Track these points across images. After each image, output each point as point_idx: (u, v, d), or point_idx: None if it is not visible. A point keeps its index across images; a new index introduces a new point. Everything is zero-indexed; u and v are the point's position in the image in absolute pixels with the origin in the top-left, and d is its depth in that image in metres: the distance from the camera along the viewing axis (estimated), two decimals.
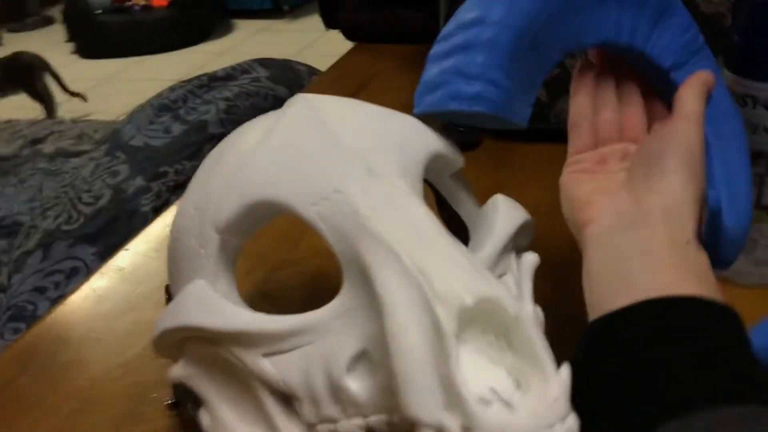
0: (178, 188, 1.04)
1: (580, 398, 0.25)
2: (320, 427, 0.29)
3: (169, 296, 0.38)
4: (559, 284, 0.49)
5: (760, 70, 0.40)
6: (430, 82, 0.34)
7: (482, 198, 0.38)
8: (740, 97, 0.42)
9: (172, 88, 1.25)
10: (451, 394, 0.22)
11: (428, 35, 0.83)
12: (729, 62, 0.42)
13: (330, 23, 0.98)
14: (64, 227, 1.01)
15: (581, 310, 0.47)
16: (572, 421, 0.23)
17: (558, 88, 0.63)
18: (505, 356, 0.24)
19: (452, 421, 0.22)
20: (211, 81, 1.26)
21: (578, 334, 0.44)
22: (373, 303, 0.27)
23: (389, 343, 0.25)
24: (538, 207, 0.58)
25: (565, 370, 0.24)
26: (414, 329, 0.24)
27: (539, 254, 0.51)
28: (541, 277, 0.48)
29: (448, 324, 0.23)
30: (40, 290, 0.94)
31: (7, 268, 1.04)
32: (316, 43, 2.94)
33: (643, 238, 0.32)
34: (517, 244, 0.35)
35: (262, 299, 0.53)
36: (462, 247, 0.28)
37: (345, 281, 0.29)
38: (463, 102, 0.33)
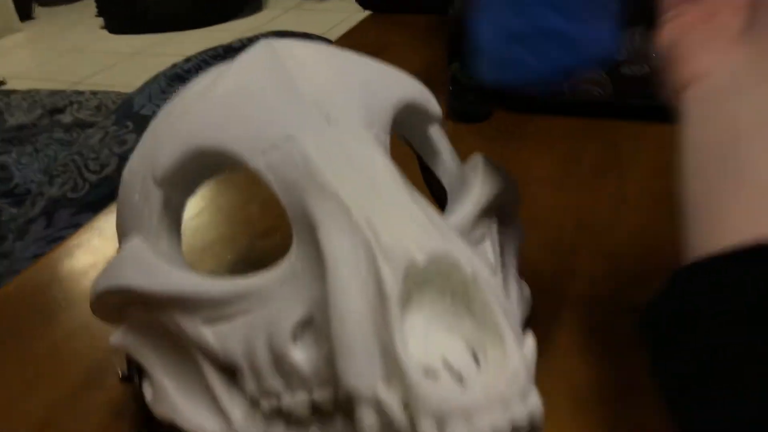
0: None
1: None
2: (263, 402, 0.26)
3: None
4: (561, 263, 0.45)
5: None
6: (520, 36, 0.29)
7: None
8: None
9: (187, 59, 1.23)
10: (392, 365, 0.19)
11: (441, 5, 0.79)
12: None
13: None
14: (70, 195, 1.00)
15: (584, 291, 0.43)
16: (534, 399, 0.19)
17: None
18: (463, 323, 0.20)
19: (390, 395, 0.18)
20: (225, 52, 1.23)
21: (580, 318, 0.40)
22: (319, 261, 0.23)
23: (329, 307, 0.21)
24: (546, 180, 0.54)
25: (530, 342, 0.20)
26: (356, 290, 0.20)
27: (542, 230, 0.47)
28: (541, 255, 0.45)
29: (393, 284, 0.19)
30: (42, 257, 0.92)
31: (12, 235, 1.03)
32: (344, 22, 2.90)
33: None
34: (501, 210, 0.31)
35: (245, 267, 0.50)
36: (425, 203, 0.24)
37: (294, 240, 0.26)
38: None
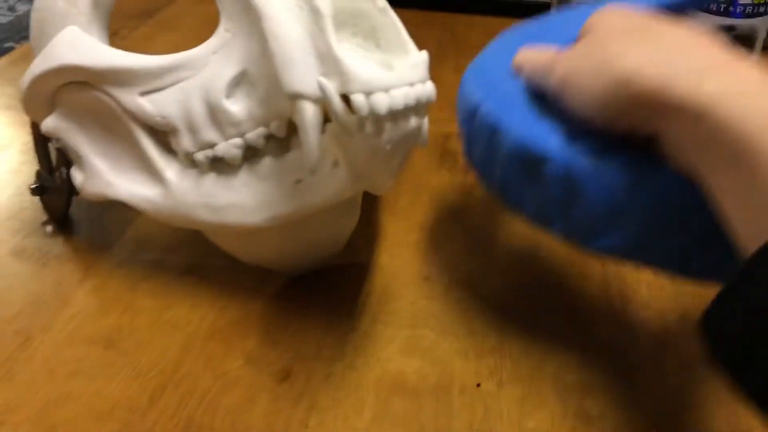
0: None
1: None
2: (198, 154, 0.31)
3: (36, 134, 0.38)
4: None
5: None
6: None
7: None
8: None
9: None
10: (329, 64, 0.25)
11: None
12: None
13: None
14: None
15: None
16: (429, 84, 0.26)
17: None
18: (374, 54, 0.27)
19: (329, 84, 0.25)
20: None
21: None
22: (252, 22, 0.29)
23: (268, 38, 0.26)
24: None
25: (424, 51, 0.27)
26: (291, 18, 0.26)
27: None
28: None
29: (324, 7, 0.25)
30: None
31: None
32: None
33: None
34: None
35: None
36: None
37: (221, 20, 0.31)
38: None
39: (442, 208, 0.42)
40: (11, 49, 0.98)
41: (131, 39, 0.63)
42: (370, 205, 0.42)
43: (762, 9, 0.47)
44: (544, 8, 0.66)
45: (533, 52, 0.31)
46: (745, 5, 0.46)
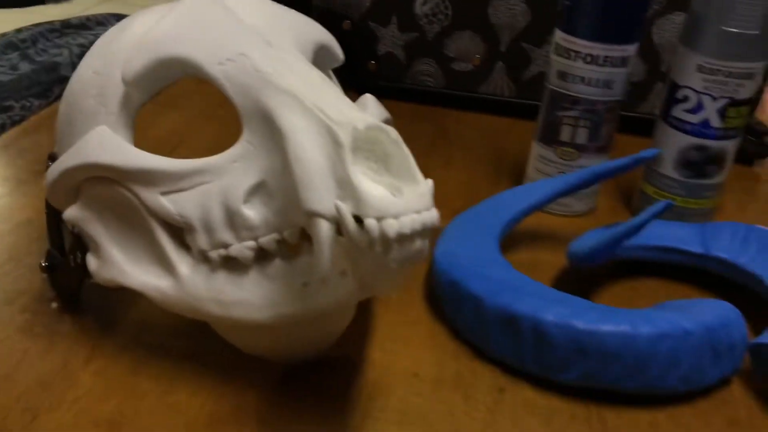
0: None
1: None
2: (212, 252, 0.33)
3: (51, 213, 0.41)
4: None
5: (581, 30, 0.50)
6: None
7: None
8: (565, 51, 0.51)
9: (18, 30, 1.21)
10: (346, 189, 0.28)
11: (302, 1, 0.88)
12: (559, 23, 0.52)
13: None
14: None
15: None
16: (434, 211, 0.29)
17: (414, 51, 0.70)
18: (384, 178, 0.30)
19: (345, 207, 0.27)
20: (63, 27, 1.23)
21: None
22: (273, 139, 0.32)
23: (291, 159, 0.29)
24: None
25: (430, 180, 0.30)
26: (313, 144, 0.29)
27: None
28: None
29: (346, 137, 0.28)
30: None
31: None
32: None
33: None
34: None
35: None
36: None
37: (244, 131, 0.34)
38: None
39: (433, 305, 0.44)
40: (11, 108, 1.00)
41: (137, 117, 0.66)
42: (365, 299, 0.44)
43: (732, 133, 0.51)
44: (533, 110, 0.70)
45: None
46: (717, 128, 0.50)
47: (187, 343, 0.39)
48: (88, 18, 1.26)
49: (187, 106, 0.69)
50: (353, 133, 0.29)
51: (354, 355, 0.40)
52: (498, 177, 0.60)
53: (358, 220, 0.28)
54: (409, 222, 0.28)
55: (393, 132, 0.30)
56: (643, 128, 0.69)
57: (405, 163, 0.29)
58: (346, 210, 0.28)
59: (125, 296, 0.42)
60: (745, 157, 0.67)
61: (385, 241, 0.28)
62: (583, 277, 0.49)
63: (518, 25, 0.67)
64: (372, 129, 0.30)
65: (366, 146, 0.30)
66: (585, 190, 0.55)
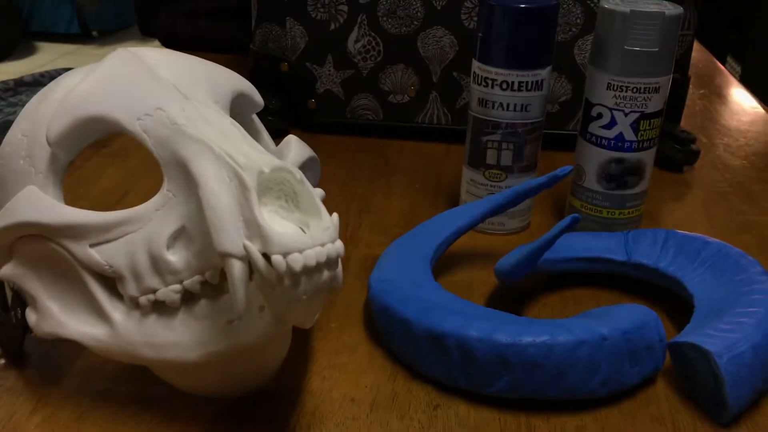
0: None
1: None
2: (141, 298, 0.35)
3: None
4: (349, 235, 0.58)
5: (494, 58, 0.53)
6: None
7: None
8: (482, 80, 0.54)
9: None
10: (253, 229, 0.30)
11: (240, 47, 0.91)
12: (475, 53, 0.54)
13: (147, 31, 1.03)
14: None
15: (366, 253, 0.57)
16: (339, 244, 0.31)
17: (352, 87, 0.73)
18: (294, 214, 0.32)
19: (253, 246, 0.29)
20: (17, 86, 1.24)
21: (360, 275, 0.53)
22: (190, 187, 0.34)
23: (203, 205, 0.31)
24: (335, 179, 0.67)
25: (335, 215, 0.32)
26: (223, 190, 0.31)
27: (333, 212, 0.60)
28: None
29: (251, 181, 0.30)
30: None
31: None
32: None
33: None
34: (308, 175, 0.43)
35: None
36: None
37: (165, 180, 0.36)
38: None
39: (371, 330, 0.46)
40: None
41: (85, 169, 0.68)
42: (303, 329, 0.46)
43: (647, 144, 0.54)
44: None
45: None
46: (632, 141, 0.53)
47: (132, 387, 0.41)
48: (41, 74, 1.27)
49: (132, 155, 0.71)
50: (259, 177, 0.31)
51: (294, 385, 0.41)
52: (436, 201, 0.63)
53: (267, 257, 0.30)
54: (314, 255, 0.30)
55: (298, 172, 0.32)
56: (574, 144, 0.72)
57: (310, 200, 0.32)
58: (254, 249, 0.30)
59: (71, 346, 0.44)
60: (674, 165, 0.70)
61: (293, 274, 0.30)
62: (516, 293, 0.51)
63: (447, 56, 0.70)
64: (278, 170, 0.32)
65: (276, 186, 0.32)
66: (517, 208, 0.57)
